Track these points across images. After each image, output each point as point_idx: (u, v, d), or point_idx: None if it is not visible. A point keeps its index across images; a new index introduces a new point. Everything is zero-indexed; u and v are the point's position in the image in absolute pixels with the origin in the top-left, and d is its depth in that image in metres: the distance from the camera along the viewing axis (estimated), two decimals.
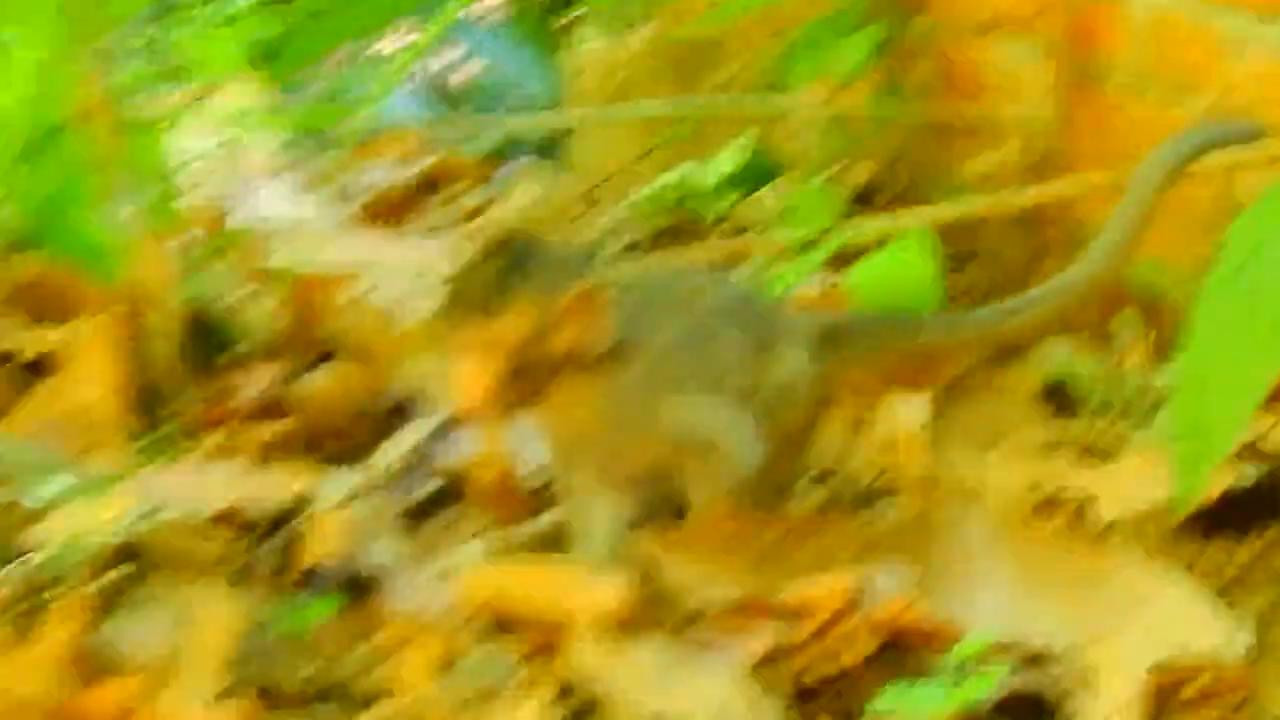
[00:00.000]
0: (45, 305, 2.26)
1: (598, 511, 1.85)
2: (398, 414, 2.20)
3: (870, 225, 2.16)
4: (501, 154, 3.12)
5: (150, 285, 2.13)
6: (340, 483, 1.99)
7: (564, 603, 1.76)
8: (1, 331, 2.20)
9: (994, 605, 1.79)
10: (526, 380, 1.67)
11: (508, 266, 1.65)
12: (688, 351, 1.75)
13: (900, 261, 2.11)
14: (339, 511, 1.95)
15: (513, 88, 3.83)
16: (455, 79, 3.82)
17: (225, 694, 1.73)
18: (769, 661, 1.75)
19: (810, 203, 2.29)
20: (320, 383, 2.16)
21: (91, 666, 1.73)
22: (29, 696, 1.68)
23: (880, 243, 2.13)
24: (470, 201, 2.85)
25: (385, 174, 2.84)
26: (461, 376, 1.66)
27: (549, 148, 3.09)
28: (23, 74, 2.24)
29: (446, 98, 3.76)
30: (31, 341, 2.17)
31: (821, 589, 1.80)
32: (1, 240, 2.37)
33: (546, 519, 1.99)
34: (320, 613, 1.81)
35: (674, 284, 1.87)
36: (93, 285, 2.24)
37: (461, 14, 3.46)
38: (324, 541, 1.90)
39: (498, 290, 1.63)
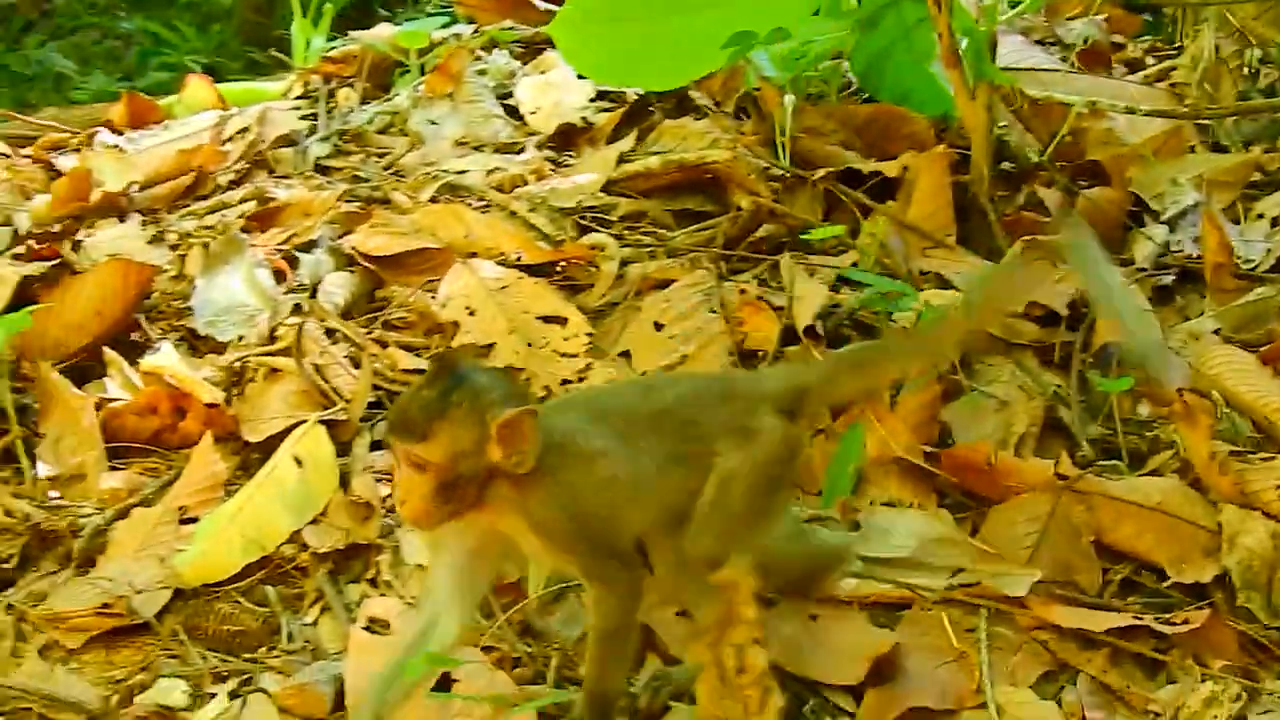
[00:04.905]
0: (877, 139, 2.66)
1: None
2: (1133, 217, 2.58)
3: None
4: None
5: (971, 123, 2.44)
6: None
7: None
8: (848, 159, 2.59)
9: None
10: (460, 490, 1.66)
11: (446, 389, 1.65)
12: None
13: None
14: None
15: None
16: None
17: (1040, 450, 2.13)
18: None
19: None
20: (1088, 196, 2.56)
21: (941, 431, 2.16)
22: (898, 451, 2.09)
23: None
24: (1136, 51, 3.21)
25: (1083, 29, 3.14)
26: (398, 493, 1.70)
27: None
28: None
29: None
30: (878, 168, 2.55)
31: None
32: (844, 89, 2.80)
33: (1255, 293, 2.37)
34: (1116, 387, 2.17)
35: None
36: (913, 124, 2.64)
37: None
38: (1111, 327, 2.22)
39: (436, 412, 1.63)
